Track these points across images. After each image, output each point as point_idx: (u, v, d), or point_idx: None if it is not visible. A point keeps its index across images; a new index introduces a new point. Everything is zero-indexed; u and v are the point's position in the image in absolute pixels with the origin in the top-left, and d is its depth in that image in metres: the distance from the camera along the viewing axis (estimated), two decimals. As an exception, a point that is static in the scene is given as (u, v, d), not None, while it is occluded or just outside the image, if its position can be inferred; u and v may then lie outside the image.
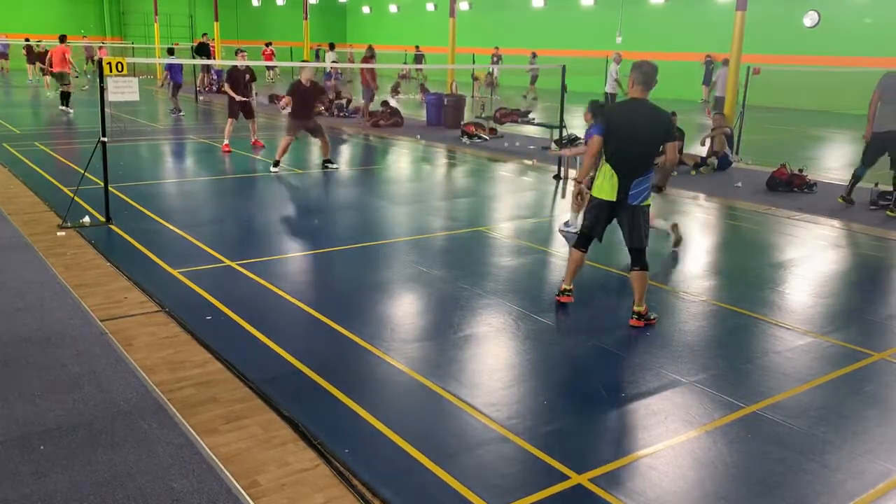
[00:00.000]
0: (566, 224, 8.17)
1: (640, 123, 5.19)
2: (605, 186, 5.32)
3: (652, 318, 5.45)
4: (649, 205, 5.37)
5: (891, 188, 9.67)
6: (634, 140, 5.20)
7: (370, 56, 18.38)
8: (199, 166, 12.60)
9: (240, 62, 13.80)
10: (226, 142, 13.37)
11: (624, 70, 18.38)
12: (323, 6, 44.62)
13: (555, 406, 4.20)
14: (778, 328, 5.49)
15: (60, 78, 18.58)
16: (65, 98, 18.53)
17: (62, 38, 19.40)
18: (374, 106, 18.27)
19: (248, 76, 13.36)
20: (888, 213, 9.37)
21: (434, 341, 5.11)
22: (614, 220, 5.53)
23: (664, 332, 5.35)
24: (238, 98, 13.11)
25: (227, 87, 13.36)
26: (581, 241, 5.65)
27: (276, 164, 11.48)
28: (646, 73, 5.21)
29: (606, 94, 18.50)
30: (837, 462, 3.68)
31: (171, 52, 23.67)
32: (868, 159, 9.66)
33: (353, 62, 27.69)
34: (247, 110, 13.45)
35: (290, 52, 34.90)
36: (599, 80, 29.13)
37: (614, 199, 5.29)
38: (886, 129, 9.38)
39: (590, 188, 5.60)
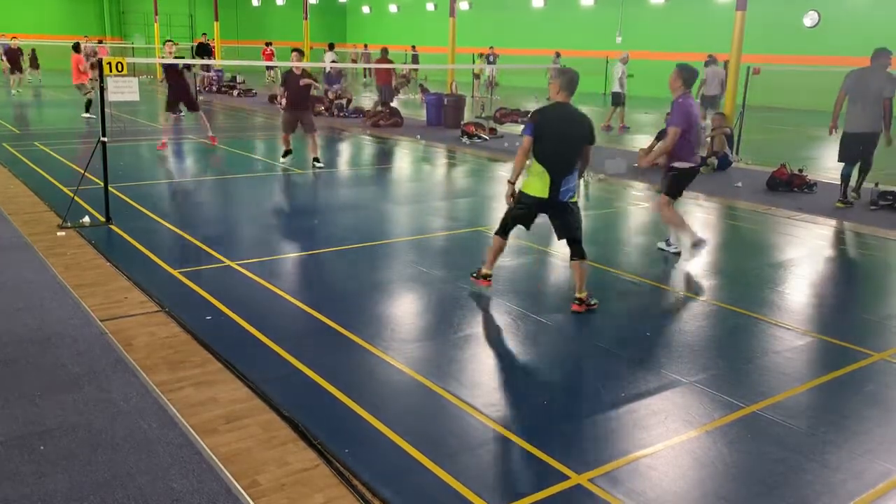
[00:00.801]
0: (667, 243, 7.43)
1: (569, 125, 5.54)
2: (537, 184, 5.58)
3: (593, 302, 5.68)
4: (576, 201, 5.68)
5: (891, 188, 9.74)
6: (564, 141, 5.51)
7: (384, 57, 18.65)
8: (199, 166, 12.60)
9: (168, 55, 13.75)
10: (163, 139, 13.48)
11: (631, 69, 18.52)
12: (323, 6, 44.64)
13: (555, 406, 4.20)
14: (778, 328, 5.49)
15: (80, 89, 17.91)
16: (87, 105, 17.67)
17: (76, 47, 18.25)
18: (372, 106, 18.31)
19: (183, 69, 13.32)
20: (840, 203, 9.64)
21: (434, 341, 5.11)
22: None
23: (664, 332, 5.35)
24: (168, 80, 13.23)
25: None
26: (502, 230, 5.89)
27: (286, 154, 11.82)
28: (570, 80, 5.56)
29: (613, 93, 18.48)
30: (837, 462, 3.68)
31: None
32: (846, 157, 9.70)
33: (355, 62, 27.73)
34: (188, 102, 13.47)
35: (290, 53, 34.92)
36: (599, 80, 29.21)
37: (546, 197, 5.55)
38: (855, 129, 9.51)
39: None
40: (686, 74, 6.84)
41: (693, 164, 6.99)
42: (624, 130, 18.17)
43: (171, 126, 13.41)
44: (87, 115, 17.39)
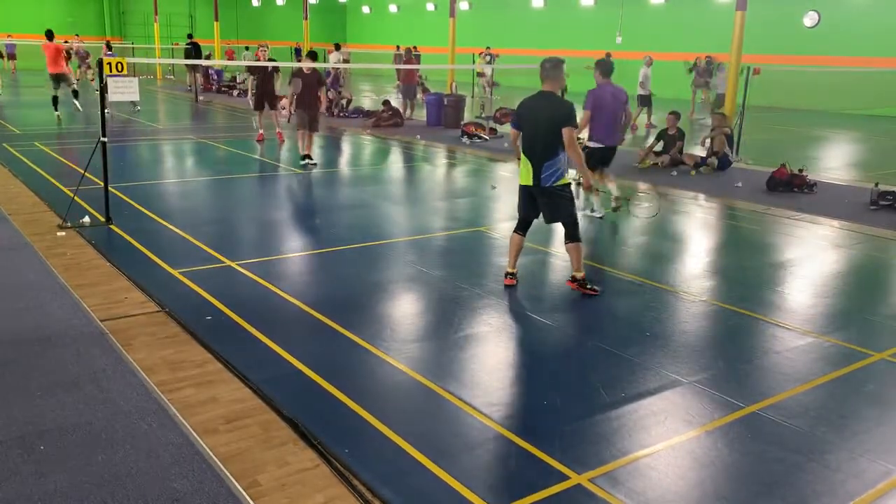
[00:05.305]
0: (592, 210, 8.89)
1: (542, 114, 5.79)
2: (524, 173, 5.98)
3: (589, 287, 5.96)
4: (567, 183, 5.92)
5: (891, 188, 9.78)
6: (537, 129, 5.81)
7: (412, 57, 18.95)
8: (199, 166, 12.60)
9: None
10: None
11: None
12: (323, 6, 44.61)
13: (555, 406, 4.20)
14: (778, 328, 5.49)
15: (63, 79, 16.47)
16: (75, 94, 17.78)
17: (49, 35, 16.29)
18: (374, 105, 18.33)
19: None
20: None
21: (434, 341, 5.11)
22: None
23: (664, 332, 5.35)
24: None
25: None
26: (519, 225, 6.22)
27: (304, 157, 11.92)
28: (548, 71, 5.92)
29: (639, 96, 18.52)
30: (837, 462, 3.68)
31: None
32: None
33: (347, 62, 27.62)
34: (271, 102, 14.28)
35: (290, 53, 34.93)
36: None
37: (531, 185, 5.91)
38: None
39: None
40: (602, 68, 8.29)
41: (601, 146, 8.45)
42: (650, 128, 18.39)
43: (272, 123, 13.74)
44: (76, 101, 17.85)
